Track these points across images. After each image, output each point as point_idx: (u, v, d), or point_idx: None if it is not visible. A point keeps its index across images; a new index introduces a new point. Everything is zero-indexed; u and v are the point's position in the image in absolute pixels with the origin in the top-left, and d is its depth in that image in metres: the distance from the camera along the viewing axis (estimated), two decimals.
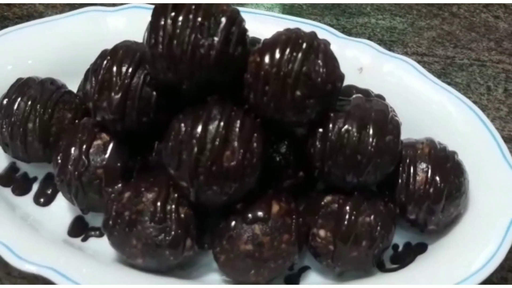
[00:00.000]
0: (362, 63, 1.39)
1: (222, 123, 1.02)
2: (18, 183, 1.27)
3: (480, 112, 1.28)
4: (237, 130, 1.02)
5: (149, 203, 1.06)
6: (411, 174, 1.13)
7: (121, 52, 1.11)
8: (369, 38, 1.66)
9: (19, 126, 1.18)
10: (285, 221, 1.08)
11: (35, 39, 1.40)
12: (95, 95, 1.10)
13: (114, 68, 1.09)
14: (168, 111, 1.13)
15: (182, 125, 1.04)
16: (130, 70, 1.09)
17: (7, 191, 1.25)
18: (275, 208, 1.08)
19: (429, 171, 1.13)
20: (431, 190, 1.12)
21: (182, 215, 1.07)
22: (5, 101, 1.20)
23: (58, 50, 1.40)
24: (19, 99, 1.20)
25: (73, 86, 1.31)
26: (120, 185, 1.12)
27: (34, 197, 1.25)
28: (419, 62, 1.46)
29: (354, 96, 1.14)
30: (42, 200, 1.25)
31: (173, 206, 1.06)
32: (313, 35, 1.07)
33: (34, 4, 1.70)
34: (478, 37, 1.67)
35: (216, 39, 1.00)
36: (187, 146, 1.02)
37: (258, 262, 1.06)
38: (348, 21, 1.71)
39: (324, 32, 1.43)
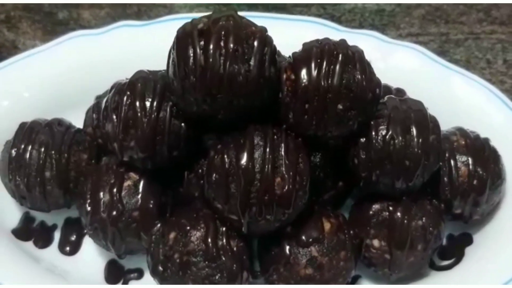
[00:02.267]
0: (370, 55, 1.35)
1: (268, 150, 0.97)
2: (38, 235, 1.19)
3: (499, 93, 1.27)
4: (283, 154, 0.98)
5: (199, 242, 1.00)
6: (453, 169, 1.11)
7: (140, 86, 1.04)
8: (360, 25, 1.63)
9: (35, 176, 1.10)
10: (339, 238, 1.04)
11: (27, 72, 1.31)
12: (120, 135, 1.03)
13: (137, 104, 1.02)
14: (196, 141, 1.08)
15: (225, 156, 0.98)
16: (155, 104, 1.02)
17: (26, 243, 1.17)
18: (327, 225, 1.04)
19: (470, 163, 1.12)
20: (475, 182, 1.11)
21: (235, 249, 1.02)
22: (13, 152, 1.11)
23: (52, 79, 1.32)
24: (29, 147, 1.11)
25: (74, 115, 1.24)
26: (159, 224, 1.06)
27: (59, 246, 1.18)
28: (415, 42, 1.45)
29: (386, 97, 1.10)
30: (68, 248, 1.18)
31: (224, 241, 1.01)
32: (345, 44, 1.03)
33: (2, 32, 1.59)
34: (466, 9, 1.66)
35: (252, 64, 0.95)
36: (235, 178, 0.97)
37: (320, 284, 1.02)
38: (335, 8, 1.67)
39: (324, 27, 1.39)
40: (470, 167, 1.11)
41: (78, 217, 1.17)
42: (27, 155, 1.11)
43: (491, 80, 1.49)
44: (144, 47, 1.36)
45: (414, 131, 1.03)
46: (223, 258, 1.00)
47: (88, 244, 1.17)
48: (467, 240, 1.17)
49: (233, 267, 1.00)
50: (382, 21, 1.64)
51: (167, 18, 1.40)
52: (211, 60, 0.93)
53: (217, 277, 0.99)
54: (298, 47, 1.05)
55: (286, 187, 0.97)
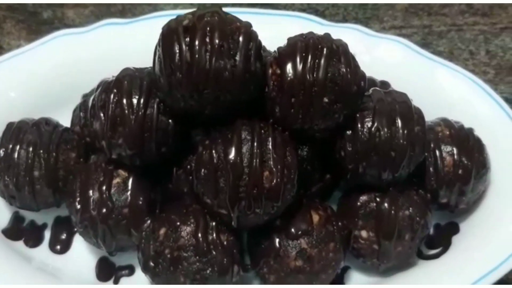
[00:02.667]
0: (354, 49, 1.36)
1: (255, 144, 0.98)
2: (29, 234, 1.19)
3: (482, 83, 1.28)
4: (271, 148, 0.99)
5: (189, 237, 1.01)
6: (438, 159, 1.13)
7: (126, 83, 1.04)
8: (344, 18, 1.64)
9: (24, 176, 1.10)
10: (328, 229, 1.06)
11: (13, 72, 1.31)
12: (108, 133, 1.03)
13: (124, 101, 1.03)
14: (184, 137, 1.09)
15: (213, 152, 0.99)
16: (142, 101, 1.03)
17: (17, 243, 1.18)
18: (316, 218, 1.06)
19: (455, 152, 1.13)
20: (460, 171, 1.12)
21: (225, 243, 1.03)
22: (1, 152, 1.12)
23: (38, 78, 1.32)
24: (17, 147, 1.11)
25: (61, 114, 1.24)
26: (149, 221, 1.06)
27: (50, 245, 1.18)
28: (398, 35, 1.47)
29: (371, 89, 1.11)
30: (58, 247, 1.18)
31: (214, 236, 1.02)
32: (329, 38, 1.03)
33: None
34: (448, 1, 1.67)
35: (238, 59, 0.96)
36: (224, 173, 0.97)
37: (310, 276, 1.04)
38: (318, 3, 1.68)
39: (308, 22, 1.40)
40: (455, 157, 1.13)
41: (68, 215, 1.17)
42: (15, 155, 1.11)
43: (474, 71, 1.51)
44: (129, 44, 1.36)
45: (399, 122, 1.04)
46: (214, 253, 1.01)
47: (79, 242, 1.17)
48: (454, 229, 1.19)
49: (223, 261, 1.01)
50: (366, 15, 1.65)
51: (152, 16, 1.41)
52: (197, 56, 0.94)
53: (208, 271, 1.00)
54: (282, 42, 1.06)
55: (275, 181, 0.98)
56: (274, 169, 0.98)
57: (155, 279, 1.03)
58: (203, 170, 1.00)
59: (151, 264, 1.02)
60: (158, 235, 1.02)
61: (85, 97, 1.22)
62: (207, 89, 0.95)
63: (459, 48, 1.58)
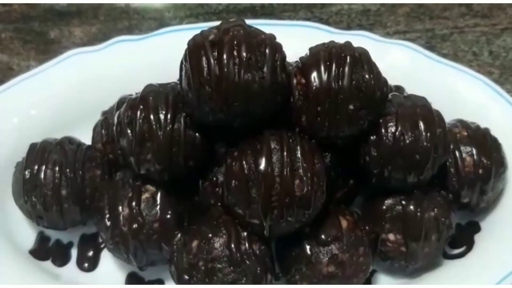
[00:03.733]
0: None
1: (285, 153, 0.99)
2: (56, 253, 1.19)
3: (491, 83, 1.31)
4: (300, 156, 1.00)
5: (222, 248, 1.02)
6: (458, 159, 1.15)
7: (152, 99, 1.05)
8: (348, 26, 1.66)
9: (52, 195, 1.11)
10: (357, 234, 1.07)
11: (32, 91, 1.32)
12: (137, 149, 1.04)
13: (152, 117, 1.04)
14: (211, 150, 1.10)
15: (244, 162, 1.00)
16: (169, 116, 1.04)
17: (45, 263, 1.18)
18: (344, 223, 1.07)
19: (474, 153, 1.15)
20: (480, 171, 1.14)
21: (257, 252, 1.04)
22: (27, 173, 1.12)
23: (55, 97, 1.33)
24: (43, 167, 1.12)
25: (79, 132, 1.25)
26: (179, 234, 1.07)
27: (77, 263, 1.19)
28: (402, 39, 1.50)
29: (390, 94, 1.13)
30: (86, 265, 1.19)
31: (247, 245, 1.03)
32: (351, 46, 1.06)
33: None
34: (448, 5, 1.71)
35: (265, 70, 0.97)
36: (255, 183, 0.99)
37: (342, 281, 1.05)
38: (322, 11, 1.70)
39: (317, 31, 1.42)
40: (475, 157, 1.15)
41: (94, 233, 1.19)
42: (42, 175, 1.11)
43: (479, 71, 1.52)
44: (143, 60, 1.38)
45: (421, 126, 1.06)
46: (248, 262, 1.02)
47: (107, 259, 1.18)
48: (475, 228, 1.21)
49: (257, 270, 1.02)
50: (369, 21, 1.68)
51: (162, 31, 1.42)
52: (225, 69, 0.95)
53: (243, 281, 1.01)
54: (296, 51, 1.07)
55: (305, 189, 0.99)
56: (304, 177, 0.99)
57: None
58: (233, 181, 1.01)
59: (186, 277, 1.03)
60: (190, 248, 1.03)
61: (105, 114, 1.23)
62: (237, 101, 0.97)
63: (462, 50, 1.61)
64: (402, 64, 1.37)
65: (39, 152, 1.14)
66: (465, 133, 1.17)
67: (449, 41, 1.62)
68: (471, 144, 1.16)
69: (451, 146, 1.15)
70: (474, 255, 1.15)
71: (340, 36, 1.39)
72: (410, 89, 1.24)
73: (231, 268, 1.01)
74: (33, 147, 1.16)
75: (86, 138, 1.23)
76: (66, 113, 1.31)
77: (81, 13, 1.69)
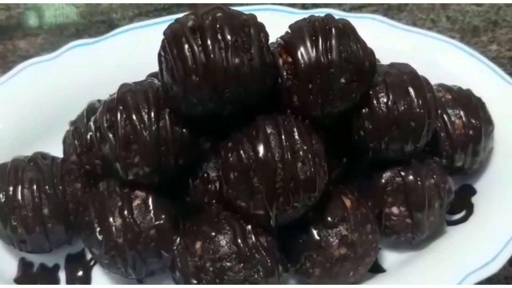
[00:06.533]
0: None
1: (283, 137, 0.94)
2: (43, 278, 1.11)
3: (458, 43, 1.31)
4: (298, 138, 0.96)
5: (229, 245, 0.96)
6: (448, 123, 1.13)
7: (130, 99, 0.99)
8: (303, 6, 1.62)
9: (33, 217, 1.03)
10: (362, 212, 1.04)
11: None
12: (122, 153, 0.97)
13: (134, 117, 0.97)
14: (198, 145, 1.04)
15: (241, 152, 0.94)
16: (152, 114, 0.98)
17: None
18: (348, 202, 1.04)
19: (462, 114, 1.14)
20: (471, 132, 1.13)
21: (265, 244, 0.99)
22: (2, 196, 1.03)
23: (14, 113, 1.24)
24: (19, 187, 1.03)
25: (45, 145, 1.17)
26: (178, 239, 1.01)
27: (67, 284, 1.10)
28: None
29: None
30: (78, 286, 1.10)
31: (254, 239, 0.98)
32: (333, 18, 1.02)
33: None
34: None
35: (253, 52, 0.92)
36: (257, 172, 0.93)
37: (355, 261, 1.01)
38: None
39: (279, 13, 1.38)
40: (463, 118, 1.13)
41: (79, 251, 1.12)
42: (19, 196, 1.03)
43: None
44: (104, 63, 1.30)
45: (412, 92, 1.04)
46: (257, 256, 0.97)
47: (99, 276, 1.11)
48: (470, 191, 1.19)
49: (268, 262, 0.97)
50: (324, 0, 1.65)
51: (118, 31, 1.35)
52: (212, 55, 0.90)
53: (255, 276, 0.96)
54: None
55: (309, 171, 0.94)
56: (306, 159, 0.95)
57: None
58: (232, 173, 0.96)
59: (194, 281, 0.97)
60: (194, 250, 0.97)
61: (74, 123, 1.15)
62: (228, 88, 0.91)
63: (420, 19, 1.60)
64: (372, 36, 1.33)
65: (12, 172, 1.05)
66: (449, 96, 1.16)
67: (406, 11, 1.62)
68: (458, 106, 1.14)
69: (439, 111, 1.13)
70: (477, 218, 1.13)
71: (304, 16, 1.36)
72: (384, 61, 1.21)
73: (241, 264, 0.96)
74: (3, 167, 1.07)
75: (55, 151, 1.15)
76: (29, 127, 1.23)
77: (23, 24, 1.59)
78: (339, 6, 1.63)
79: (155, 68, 0.99)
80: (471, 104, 1.15)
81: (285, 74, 0.99)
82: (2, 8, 1.62)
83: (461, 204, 1.17)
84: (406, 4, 1.63)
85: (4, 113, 1.22)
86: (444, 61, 1.30)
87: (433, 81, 1.19)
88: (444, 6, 1.62)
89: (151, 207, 1.01)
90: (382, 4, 1.63)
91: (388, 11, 1.62)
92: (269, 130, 0.95)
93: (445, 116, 1.13)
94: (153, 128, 0.97)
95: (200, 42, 0.91)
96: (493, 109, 1.19)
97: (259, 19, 1.27)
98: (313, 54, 0.96)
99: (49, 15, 1.61)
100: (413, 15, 1.60)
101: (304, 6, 1.62)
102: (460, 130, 1.13)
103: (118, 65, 1.28)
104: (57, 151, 1.15)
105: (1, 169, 1.07)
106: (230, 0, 1.49)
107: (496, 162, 1.19)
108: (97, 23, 1.60)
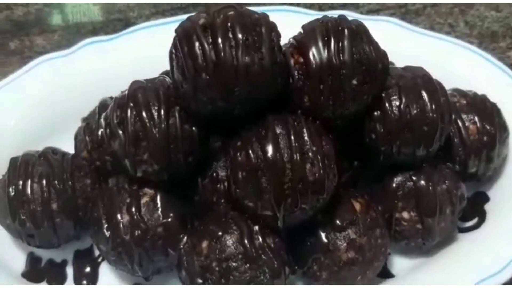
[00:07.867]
0: None
1: (292, 137, 0.94)
2: (50, 274, 1.11)
3: (474, 48, 1.30)
4: (307, 139, 0.95)
5: (236, 245, 0.96)
6: (462, 129, 1.11)
7: (141, 96, 0.98)
8: (320, 8, 1.61)
9: (42, 211, 1.03)
10: (372, 216, 1.02)
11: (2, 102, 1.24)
12: (131, 150, 0.97)
13: (144, 114, 0.97)
14: (206, 144, 1.04)
15: (250, 152, 0.94)
16: (162, 111, 0.97)
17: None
18: (357, 206, 1.02)
19: (476, 120, 1.12)
20: (485, 138, 1.11)
21: (272, 245, 0.98)
22: (11, 190, 1.03)
23: (28, 108, 1.25)
24: (29, 181, 1.03)
25: (58, 140, 1.17)
26: (185, 237, 1.00)
27: (75, 281, 1.11)
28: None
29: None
30: (85, 282, 1.10)
31: (261, 240, 0.97)
32: (346, 18, 1.01)
33: None
34: None
35: (264, 51, 0.91)
36: (265, 172, 0.92)
37: (363, 265, 1.00)
38: None
39: (294, 14, 1.37)
40: (478, 124, 1.12)
41: (88, 247, 1.12)
42: (28, 190, 1.03)
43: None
44: (117, 61, 1.31)
45: (425, 96, 1.02)
46: (264, 257, 0.96)
47: (107, 273, 1.11)
48: (483, 198, 1.17)
49: (275, 264, 0.96)
50: (340, 2, 1.64)
51: (133, 29, 1.35)
52: (222, 53, 0.89)
53: (261, 278, 0.95)
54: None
55: (318, 173, 0.93)
56: (315, 160, 0.94)
57: None
58: (241, 173, 0.95)
59: (199, 280, 0.96)
60: (200, 249, 0.97)
61: (86, 120, 1.15)
62: (238, 86, 0.91)
63: (438, 23, 1.58)
64: (388, 39, 1.32)
65: (22, 166, 1.05)
66: (464, 101, 1.14)
67: (424, 15, 1.60)
68: (472, 112, 1.12)
69: (453, 116, 1.11)
70: (489, 225, 1.11)
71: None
72: (400, 64, 1.20)
73: (248, 265, 0.95)
74: (14, 161, 1.07)
75: (67, 147, 1.15)
76: (41, 123, 1.24)
77: (40, 20, 1.59)
78: (356, 8, 1.62)
79: (168, 66, 0.98)
80: (486, 110, 1.13)
81: (296, 74, 0.98)
82: (20, 4, 1.63)
83: (474, 211, 1.15)
84: (424, 8, 1.61)
85: (18, 108, 1.22)
86: (460, 66, 1.28)
87: (449, 85, 1.18)
88: (462, 11, 1.60)
89: (159, 205, 1.01)
90: (400, 8, 1.61)
91: (405, 14, 1.60)
92: (278, 130, 0.94)
93: (459, 121, 1.12)
94: (163, 125, 0.96)
95: (210, 40, 0.90)
96: (509, 115, 1.17)
97: (274, 20, 1.28)
98: (325, 54, 0.96)
99: (67, 12, 1.62)
100: (431, 19, 1.58)
101: (321, 8, 1.61)
102: (474, 136, 1.11)
103: (132, 62, 1.27)
104: (70, 147, 1.15)
105: (12, 163, 1.07)
106: (247, 0, 1.50)
107: (511, 169, 1.17)
108: (114, 21, 1.61)
